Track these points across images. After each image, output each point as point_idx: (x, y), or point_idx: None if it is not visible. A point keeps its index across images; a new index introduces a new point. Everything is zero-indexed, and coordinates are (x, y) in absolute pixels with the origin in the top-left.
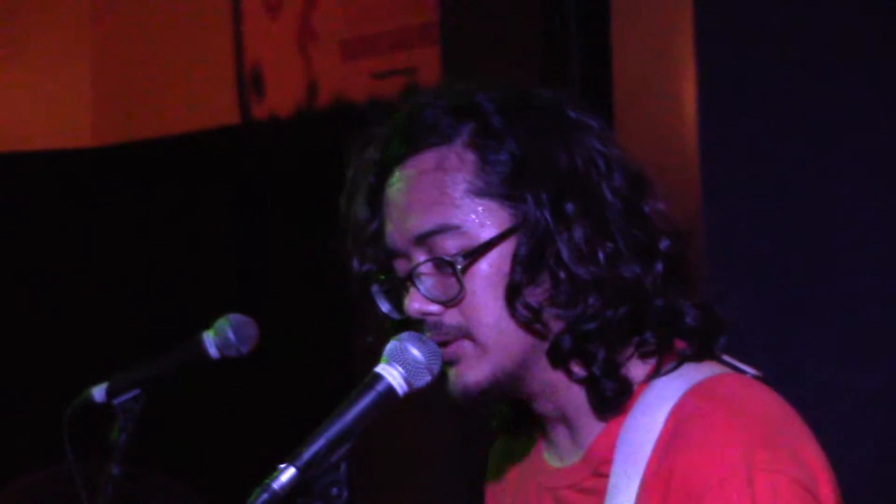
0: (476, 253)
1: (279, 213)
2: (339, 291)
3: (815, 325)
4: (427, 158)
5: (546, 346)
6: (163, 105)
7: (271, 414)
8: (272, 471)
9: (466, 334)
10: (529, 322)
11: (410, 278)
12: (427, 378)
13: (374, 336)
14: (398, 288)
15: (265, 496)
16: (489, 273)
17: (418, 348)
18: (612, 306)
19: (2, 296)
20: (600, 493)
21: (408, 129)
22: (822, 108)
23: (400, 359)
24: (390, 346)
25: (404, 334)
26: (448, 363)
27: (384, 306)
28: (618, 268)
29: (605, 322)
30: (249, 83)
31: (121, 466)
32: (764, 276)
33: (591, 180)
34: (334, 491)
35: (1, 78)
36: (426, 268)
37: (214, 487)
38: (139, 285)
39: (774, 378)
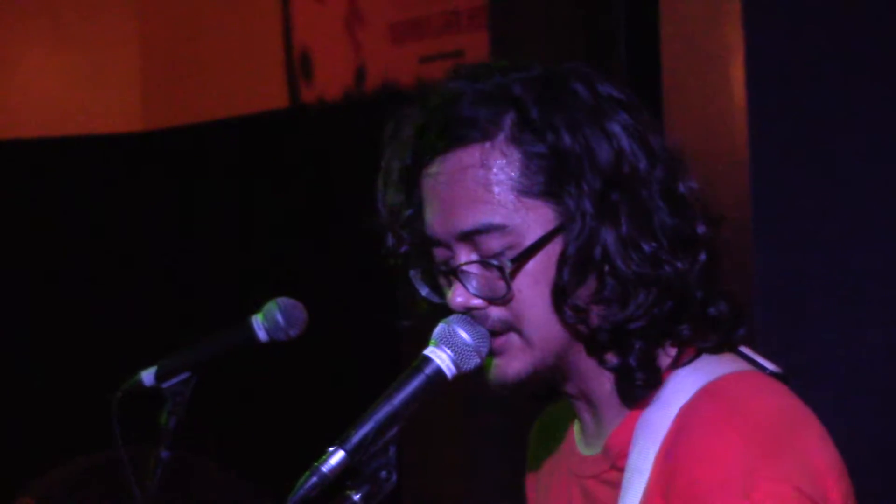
0: (524, 256)
1: (327, 196)
2: (385, 276)
3: (868, 320)
4: (470, 154)
5: (585, 335)
6: (212, 89)
7: (319, 398)
8: (321, 454)
9: (513, 328)
10: (576, 323)
11: (455, 273)
12: (476, 361)
13: (410, 319)
14: (437, 273)
15: (314, 479)
16: (536, 273)
17: (467, 331)
18: (658, 302)
19: (54, 280)
20: (618, 485)
21: (447, 119)
22: (872, 95)
23: (449, 342)
24: (439, 328)
25: (453, 317)
26: (492, 353)
27: (423, 290)
28: (663, 263)
29: (650, 319)
30: (298, 67)
31: (170, 451)
32: (813, 264)
33: (631, 170)
34: (383, 474)
35: (50, 62)
36: (472, 265)
37: (263, 471)
38: (189, 268)
39: (802, 368)
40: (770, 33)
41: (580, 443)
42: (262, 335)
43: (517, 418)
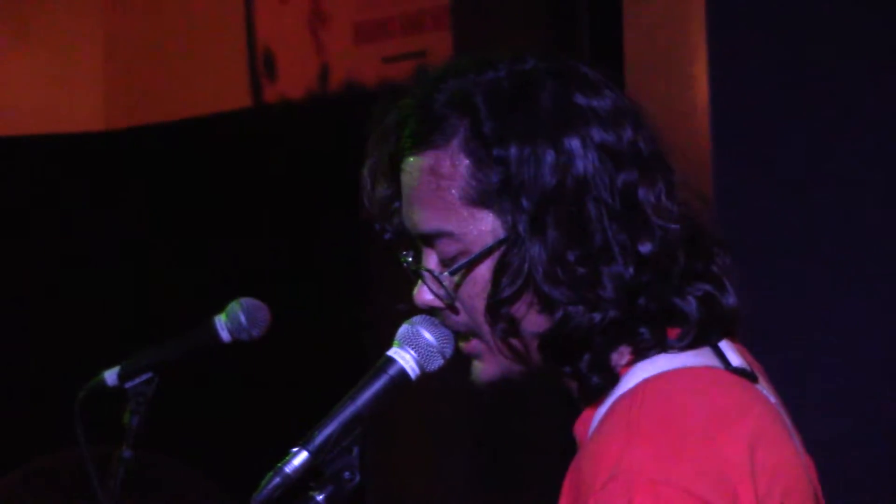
0: (466, 266)
1: (291, 196)
2: (351, 275)
3: (827, 319)
4: (427, 158)
5: (534, 345)
6: (174, 89)
7: (283, 398)
8: (284, 454)
9: (475, 333)
10: (508, 335)
11: (416, 272)
12: (439, 362)
13: (405, 304)
14: (413, 265)
15: (277, 479)
16: (481, 284)
17: (431, 332)
18: (595, 312)
19: (12, 281)
20: None
21: (416, 119)
22: (835, 94)
23: (412, 342)
24: (402, 329)
25: (417, 318)
26: (469, 355)
27: (409, 276)
28: (601, 275)
29: (586, 329)
30: (261, 67)
31: (132, 450)
32: (774, 263)
33: (577, 185)
34: (346, 475)
35: (12, 61)
36: (429, 266)
37: (225, 471)
38: (150, 269)
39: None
40: (733, 33)
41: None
42: (224, 335)
43: (482, 417)
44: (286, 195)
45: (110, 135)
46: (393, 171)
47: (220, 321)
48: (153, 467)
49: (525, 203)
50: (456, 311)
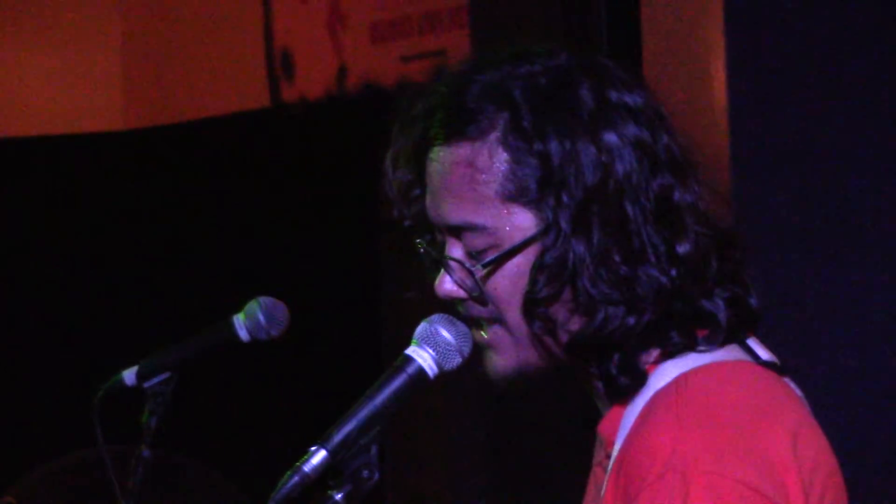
0: (498, 261)
1: (309, 196)
2: (367, 274)
3: (846, 313)
4: (462, 150)
5: (562, 343)
6: (193, 88)
7: (302, 397)
8: (303, 453)
9: (499, 321)
10: (544, 333)
11: (442, 262)
12: (458, 360)
13: (415, 292)
14: (435, 254)
15: (296, 478)
16: (512, 278)
17: (449, 330)
18: (633, 315)
19: (35, 280)
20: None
21: (447, 110)
22: (853, 95)
23: (430, 341)
24: (421, 328)
25: (435, 316)
26: (486, 347)
27: (427, 265)
28: (636, 280)
29: (623, 331)
30: (279, 67)
31: (151, 450)
32: (792, 258)
33: (617, 184)
34: (365, 473)
35: (31, 61)
36: (456, 256)
37: (244, 470)
38: (171, 268)
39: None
40: (751, 33)
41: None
42: (243, 334)
43: (500, 415)
44: (303, 194)
45: (129, 134)
46: (417, 159)
47: (239, 320)
48: (172, 467)
49: (567, 200)
50: (483, 303)
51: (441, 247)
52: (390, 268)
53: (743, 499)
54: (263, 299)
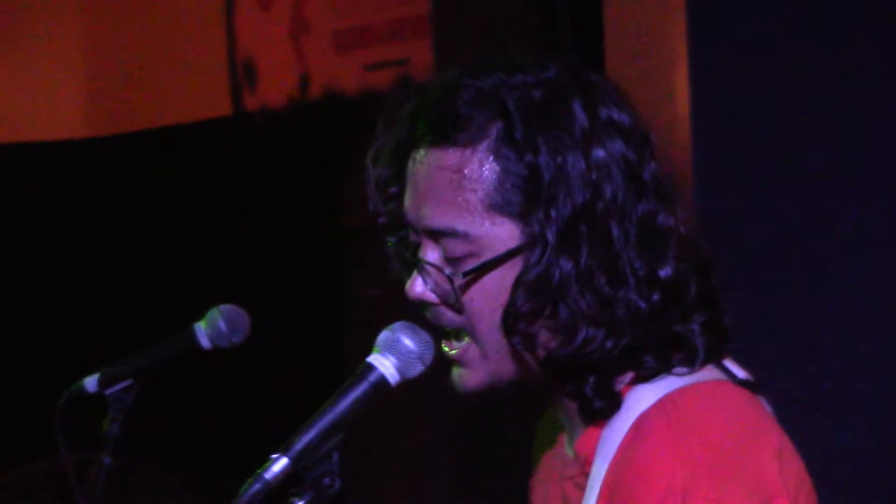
0: (478, 270)
1: (271, 204)
2: (329, 281)
3: (805, 319)
4: (451, 156)
5: (538, 360)
6: (155, 96)
7: (263, 405)
8: (265, 461)
9: (469, 335)
10: (523, 349)
11: (416, 264)
12: (419, 368)
13: (380, 289)
14: (408, 255)
15: (257, 486)
16: (491, 289)
17: (411, 338)
18: (612, 337)
19: None
20: (584, 490)
21: (438, 113)
22: (816, 104)
23: (392, 349)
24: (383, 335)
25: (397, 324)
26: (454, 363)
27: (395, 265)
28: (617, 303)
29: (601, 353)
30: (242, 75)
31: (112, 457)
32: (754, 269)
33: (606, 203)
34: (326, 481)
35: None
36: (433, 261)
37: (206, 478)
38: (130, 277)
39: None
40: (714, 42)
41: (566, 445)
42: (204, 342)
43: (463, 423)
44: (266, 203)
45: (91, 142)
46: (399, 157)
47: (200, 328)
48: (133, 474)
49: (555, 215)
50: (456, 311)
51: (415, 248)
52: (353, 275)
53: None
54: (224, 307)
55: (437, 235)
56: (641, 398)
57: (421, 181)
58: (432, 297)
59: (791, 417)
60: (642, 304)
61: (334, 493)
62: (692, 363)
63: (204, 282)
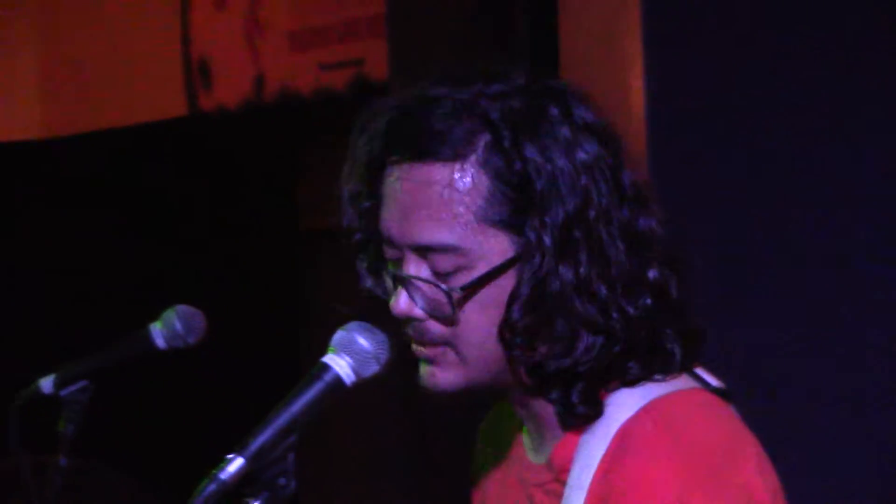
0: (475, 284)
1: (227, 204)
2: (284, 281)
3: (759, 323)
4: (439, 171)
5: (528, 368)
6: (111, 97)
7: (219, 405)
8: (220, 461)
9: (449, 344)
10: (522, 358)
11: (403, 281)
12: (375, 367)
13: (349, 307)
14: (381, 269)
15: (212, 486)
16: (484, 301)
17: (366, 338)
18: (609, 344)
19: None
20: (560, 497)
21: (421, 127)
22: (771, 106)
23: (348, 349)
24: (338, 335)
25: (352, 324)
26: (424, 361)
27: (366, 281)
28: (613, 309)
29: (596, 362)
30: (197, 75)
31: (68, 458)
32: (709, 270)
33: (596, 208)
34: (282, 481)
35: None
36: (423, 276)
37: (162, 478)
38: (86, 277)
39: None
40: (669, 43)
41: (529, 450)
42: (160, 343)
43: (419, 422)
44: (222, 203)
45: (47, 143)
46: (371, 173)
47: (156, 329)
48: (89, 475)
49: (550, 223)
50: (449, 324)
51: (395, 264)
52: (308, 275)
53: None
54: (180, 308)
55: (424, 251)
56: (622, 405)
57: (406, 198)
58: (420, 312)
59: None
60: (632, 310)
61: (289, 493)
62: (670, 369)
63: (159, 282)
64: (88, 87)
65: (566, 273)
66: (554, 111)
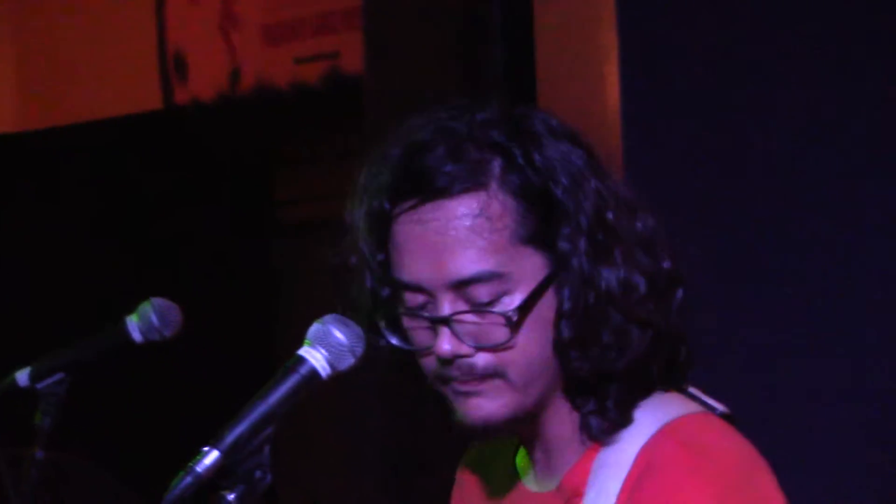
0: (528, 304)
1: (202, 197)
2: (259, 274)
3: (730, 324)
4: (464, 203)
5: (570, 380)
6: (86, 90)
7: (195, 397)
8: (196, 454)
9: (498, 373)
10: (579, 368)
11: (446, 321)
12: (350, 360)
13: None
14: (401, 318)
15: (188, 479)
16: (535, 321)
17: (341, 331)
18: (655, 339)
19: None
20: None
21: (431, 166)
22: (746, 96)
23: (323, 342)
24: (313, 328)
25: (327, 317)
26: (469, 393)
27: (392, 339)
28: (650, 303)
29: (631, 361)
30: (172, 69)
31: (44, 451)
32: (687, 269)
33: (611, 211)
34: (258, 474)
35: None
36: (466, 314)
37: (138, 471)
38: (62, 271)
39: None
40: (644, 33)
41: (529, 480)
42: (136, 336)
43: (397, 417)
44: (197, 196)
45: (23, 136)
46: (378, 227)
47: (132, 322)
48: (65, 469)
49: (579, 227)
50: (501, 349)
51: (417, 310)
52: (285, 268)
53: None
54: (156, 301)
55: (464, 285)
56: (638, 428)
57: (435, 237)
58: (467, 348)
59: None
60: (668, 302)
61: (265, 486)
62: (680, 377)
63: (135, 275)
64: (64, 81)
65: (608, 274)
66: (540, 127)
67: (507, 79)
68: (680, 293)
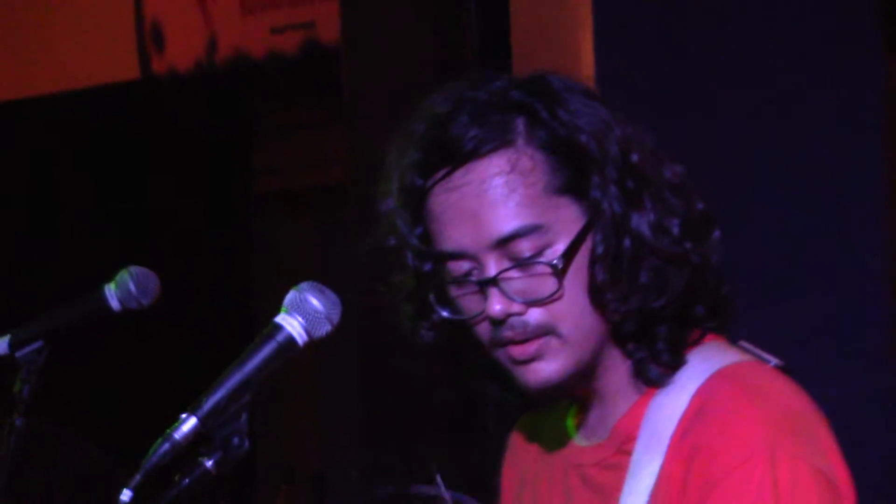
0: (570, 252)
1: (180, 167)
2: (237, 243)
3: None
4: (496, 162)
5: (619, 326)
6: (62, 60)
7: (173, 365)
8: (173, 421)
9: (550, 331)
10: (619, 316)
11: (494, 282)
12: (327, 328)
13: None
14: (446, 288)
15: (166, 446)
16: (575, 270)
17: (318, 298)
18: (692, 278)
19: None
20: (624, 468)
21: (458, 131)
22: (719, 68)
23: (300, 309)
24: (290, 296)
25: (304, 284)
26: (528, 360)
27: (444, 311)
28: (686, 242)
29: (673, 300)
30: (149, 39)
31: (24, 418)
32: None
33: (637, 156)
34: (235, 441)
35: None
36: (512, 270)
37: (116, 438)
38: (43, 239)
39: None
40: (618, 5)
41: (577, 437)
42: (114, 304)
43: (374, 388)
44: (174, 166)
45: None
46: (413, 202)
47: (110, 290)
48: (44, 436)
49: (608, 178)
50: (553, 300)
51: (467, 274)
52: (261, 237)
53: (821, 487)
54: (134, 269)
55: (506, 242)
56: (692, 375)
57: (472, 201)
58: (518, 306)
59: None
60: (702, 241)
61: (243, 452)
62: (726, 317)
63: (114, 244)
64: (40, 50)
65: (639, 218)
66: (558, 84)
67: (483, 48)
68: (717, 233)
